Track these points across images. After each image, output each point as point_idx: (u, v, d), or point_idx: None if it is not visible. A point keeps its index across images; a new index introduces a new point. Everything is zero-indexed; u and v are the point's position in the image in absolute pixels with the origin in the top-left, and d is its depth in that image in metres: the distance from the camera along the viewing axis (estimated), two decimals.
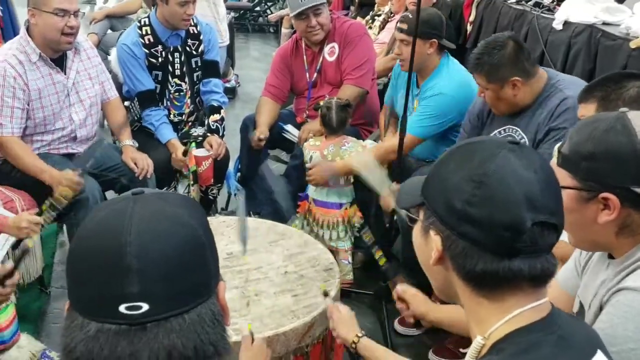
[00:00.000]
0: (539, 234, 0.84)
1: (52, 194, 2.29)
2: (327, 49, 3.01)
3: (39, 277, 2.56)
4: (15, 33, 3.03)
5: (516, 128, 2.21)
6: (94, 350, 0.68)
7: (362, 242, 2.92)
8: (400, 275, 2.74)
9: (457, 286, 0.91)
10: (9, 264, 1.65)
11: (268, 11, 9.14)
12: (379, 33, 4.17)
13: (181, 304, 0.71)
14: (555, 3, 3.42)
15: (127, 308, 0.68)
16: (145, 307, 0.68)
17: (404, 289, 1.57)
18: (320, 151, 2.69)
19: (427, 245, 0.92)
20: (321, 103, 2.70)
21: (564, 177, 1.07)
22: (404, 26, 2.57)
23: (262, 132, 2.94)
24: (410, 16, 2.56)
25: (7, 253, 2.26)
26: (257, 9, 9.16)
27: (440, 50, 2.65)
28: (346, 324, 1.54)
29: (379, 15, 4.48)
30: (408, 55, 2.48)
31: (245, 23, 8.90)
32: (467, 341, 0.96)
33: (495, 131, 2.28)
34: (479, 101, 2.37)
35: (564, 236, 1.07)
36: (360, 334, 1.50)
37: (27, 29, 2.42)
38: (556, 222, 0.86)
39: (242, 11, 8.73)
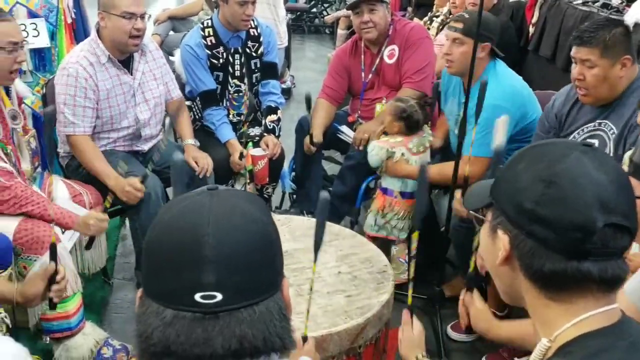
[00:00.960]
0: (610, 236, 0.82)
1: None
2: (386, 51, 3.00)
3: (102, 269, 2.67)
4: (86, 35, 3.16)
5: (607, 122, 2.12)
6: (170, 336, 0.72)
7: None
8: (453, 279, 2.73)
9: (523, 287, 0.90)
10: (51, 265, 1.70)
11: (324, 12, 9.18)
12: (437, 34, 4.13)
13: (252, 296, 0.74)
14: (624, 4, 3.30)
15: (202, 297, 0.71)
16: (219, 296, 0.72)
17: (470, 300, 1.54)
18: (405, 146, 2.68)
19: (495, 245, 0.92)
20: (406, 109, 2.67)
21: (636, 185, 1.04)
22: (459, 25, 2.49)
23: (315, 136, 2.97)
24: (467, 16, 2.52)
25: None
26: (314, 10, 9.23)
27: (491, 56, 2.58)
28: (411, 341, 1.49)
29: (437, 17, 4.44)
30: (458, 56, 2.44)
31: (302, 24, 8.98)
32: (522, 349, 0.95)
33: (583, 127, 2.19)
34: (559, 101, 2.29)
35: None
36: (421, 355, 1.46)
37: (97, 31, 2.53)
38: (629, 225, 0.84)
39: (298, 13, 8.81)
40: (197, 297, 0.71)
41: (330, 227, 2.31)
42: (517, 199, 0.87)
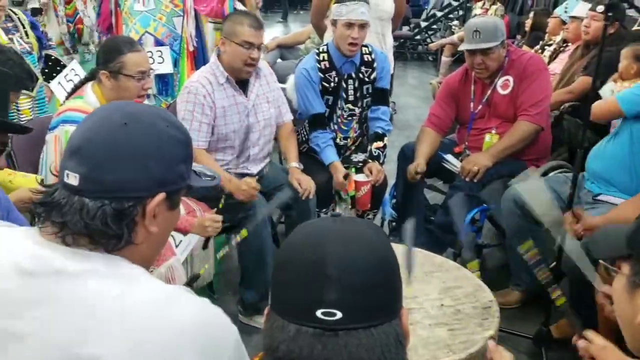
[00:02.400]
0: None
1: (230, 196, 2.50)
2: (500, 81, 2.95)
3: (208, 284, 2.79)
4: (205, 62, 3.36)
5: None
6: (295, 350, 0.76)
7: (520, 279, 2.80)
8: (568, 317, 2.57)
9: None
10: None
11: (428, 40, 9.16)
12: (549, 63, 3.99)
13: (370, 318, 0.76)
14: None
15: (323, 313, 0.75)
16: (339, 314, 0.74)
17: (589, 343, 1.38)
18: None
19: (633, 302, 0.87)
20: None
21: None
22: None
23: (419, 165, 2.95)
24: None
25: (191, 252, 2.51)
26: (417, 37, 9.23)
27: None
28: None
29: (549, 45, 4.31)
30: None
31: (405, 51, 9.01)
32: None
33: None
34: None
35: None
36: None
37: (218, 55, 2.69)
38: None
39: (402, 40, 8.86)
40: (319, 313, 0.75)
41: (433, 258, 2.27)
42: None
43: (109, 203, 0.92)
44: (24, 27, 2.93)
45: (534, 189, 2.14)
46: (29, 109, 2.91)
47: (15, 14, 2.95)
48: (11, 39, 2.82)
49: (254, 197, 2.55)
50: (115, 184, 0.92)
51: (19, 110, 2.84)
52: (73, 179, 0.92)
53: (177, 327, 0.88)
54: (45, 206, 0.94)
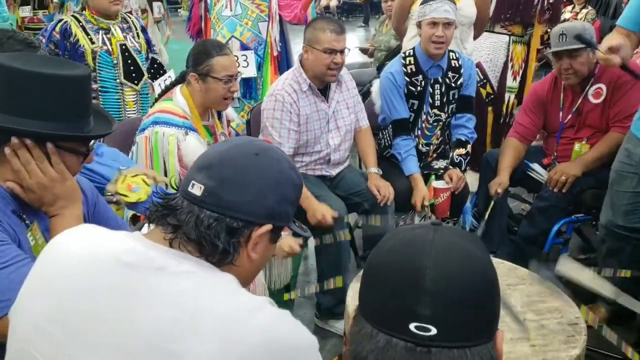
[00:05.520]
0: None
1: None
2: (591, 90, 2.82)
3: (286, 285, 2.82)
4: (288, 66, 3.42)
5: None
6: None
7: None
8: None
9: None
10: None
11: None
12: None
13: (466, 337, 0.73)
14: None
15: (417, 328, 0.72)
16: (433, 330, 0.71)
17: None
18: None
19: None
20: None
21: None
22: None
23: (502, 184, 2.88)
24: None
25: None
26: None
27: None
28: None
29: None
30: None
31: None
32: None
33: None
34: None
35: None
36: None
37: (300, 62, 2.73)
38: None
39: None
40: (412, 326, 0.72)
41: (516, 270, 2.20)
42: None
43: (224, 219, 0.99)
44: (136, 29, 3.17)
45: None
46: (134, 101, 3.12)
47: (130, 17, 3.23)
48: (125, 37, 3.07)
49: (327, 224, 2.53)
50: (234, 204, 0.99)
51: (125, 101, 3.07)
52: (197, 190, 1.00)
53: (254, 339, 0.90)
54: (164, 209, 1.02)
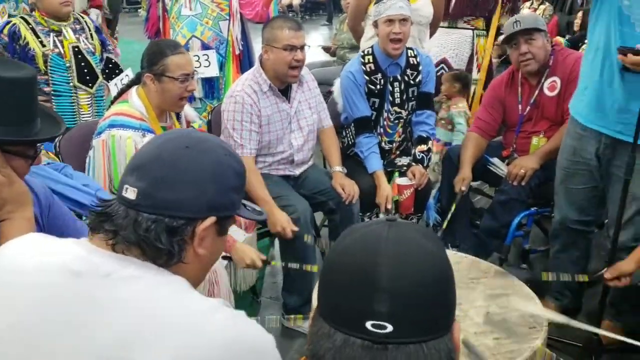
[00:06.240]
0: None
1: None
2: (547, 82, 2.87)
3: (252, 287, 2.80)
4: (250, 65, 3.39)
5: None
6: None
7: (560, 294, 2.71)
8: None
9: None
10: None
11: None
12: None
13: (422, 332, 0.73)
14: None
15: (373, 325, 0.71)
16: (389, 327, 0.71)
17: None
18: None
19: None
20: None
21: None
22: None
23: (465, 180, 2.91)
24: None
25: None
26: None
27: None
28: None
29: None
30: None
31: None
32: None
33: None
34: None
35: None
36: None
37: (261, 62, 2.70)
38: None
39: None
40: (368, 324, 0.71)
41: (479, 264, 2.22)
42: None
43: (163, 219, 0.96)
44: (89, 30, 3.11)
45: None
46: (88, 105, 3.05)
47: (83, 18, 3.15)
48: (78, 39, 3.00)
49: (287, 237, 2.52)
50: (170, 202, 0.96)
51: (79, 105, 3.01)
52: (131, 193, 0.97)
53: (212, 342, 0.89)
54: (100, 216, 0.99)
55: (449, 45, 3.88)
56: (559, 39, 5.81)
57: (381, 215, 3.06)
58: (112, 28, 4.49)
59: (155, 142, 1.03)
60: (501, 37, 3.85)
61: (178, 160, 0.98)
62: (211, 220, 0.99)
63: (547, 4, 6.82)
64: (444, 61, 3.89)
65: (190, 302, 0.93)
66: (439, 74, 3.84)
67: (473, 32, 3.90)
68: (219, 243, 1.05)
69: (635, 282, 1.69)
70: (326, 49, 5.58)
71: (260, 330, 0.95)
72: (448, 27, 3.85)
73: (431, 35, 3.60)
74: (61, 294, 0.91)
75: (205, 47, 3.38)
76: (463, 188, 2.90)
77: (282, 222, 2.52)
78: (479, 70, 3.99)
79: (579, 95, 2.47)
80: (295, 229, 2.51)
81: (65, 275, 0.92)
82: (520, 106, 2.96)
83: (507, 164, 2.93)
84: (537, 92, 2.90)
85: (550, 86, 2.85)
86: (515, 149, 3.00)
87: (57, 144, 2.42)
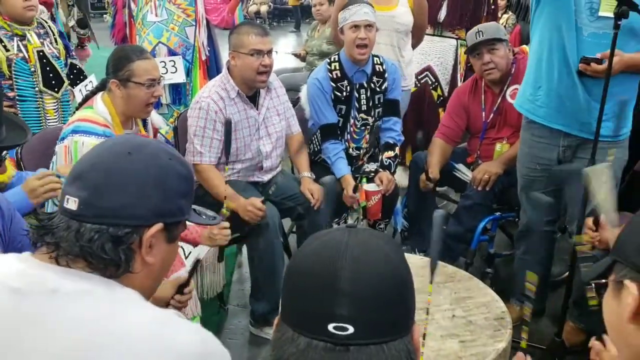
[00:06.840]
0: None
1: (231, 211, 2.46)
2: (509, 90, 2.94)
3: (219, 294, 2.78)
4: (217, 71, 3.38)
5: None
6: None
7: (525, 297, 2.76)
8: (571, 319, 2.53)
9: None
10: (184, 274, 1.74)
11: None
12: None
13: (382, 333, 0.75)
14: None
15: (335, 328, 0.73)
16: (350, 329, 0.73)
17: (601, 349, 1.37)
18: None
19: (620, 302, 0.87)
20: None
21: None
22: None
23: (432, 172, 2.94)
24: None
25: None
26: None
27: None
28: None
29: None
30: None
31: None
32: None
33: None
34: None
35: None
36: None
37: (228, 69, 2.70)
38: None
39: None
40: (330, 327, 0.73)
41: (444, 268, 2.25)
42: None
43: (107, 229, 0.93)
44: (53, 35, 3.05)
45: (601, 177, 1.96)
46: (54, 109, 2.99)
47: (46, 22, 3.10)
48: (43, 43, 2.94)
49: (259, 219, 2.52)
50: (114, 211, 0.94)
51: (45, 110, 2.95)
52: (72, 204, 0.94)
53: (167, 356, 0.88)
54: (40, 230, 0.95)
55: (433, 53, 3.88)
56: (525, 47, 5.93)
57: (349, 221, 3.07)
58: (87, 27, 4.37)
59: (95, 150, 1.01)
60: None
61: (119, 166, 0.96)
62: (158, 227, 0.97)
63: (510, 13, 6.97)
64: (428, 69, 3.89)
65: (144, 314, 0.91)
66: (422, 81, 3.88)
67: (457, 42, 3.89)
68: (170, 250, 1.03)
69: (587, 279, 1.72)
70: (296, 55, 5.60)
71: (214, 343, 0.95)
72: (433, 35, 3.84)
73: (415, 45, 3.57)
74: (8, 315, 0.88)
75: (171, 53, 3.35)
76: (431, 177, 2.93)
77: (249, 201, 2.52)
78: (462, 80, 4.01)
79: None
80: (263, 207, 2.51)
81: (5, 293, 0.89)
82: (483, 113, 3.02)
83: (472, 170, 2.98)
84: (499, 99, 2.97)
85: (513, 93, 2.91)
86: (480, 155, 3.05)
87: (19, 150, 2.37)
